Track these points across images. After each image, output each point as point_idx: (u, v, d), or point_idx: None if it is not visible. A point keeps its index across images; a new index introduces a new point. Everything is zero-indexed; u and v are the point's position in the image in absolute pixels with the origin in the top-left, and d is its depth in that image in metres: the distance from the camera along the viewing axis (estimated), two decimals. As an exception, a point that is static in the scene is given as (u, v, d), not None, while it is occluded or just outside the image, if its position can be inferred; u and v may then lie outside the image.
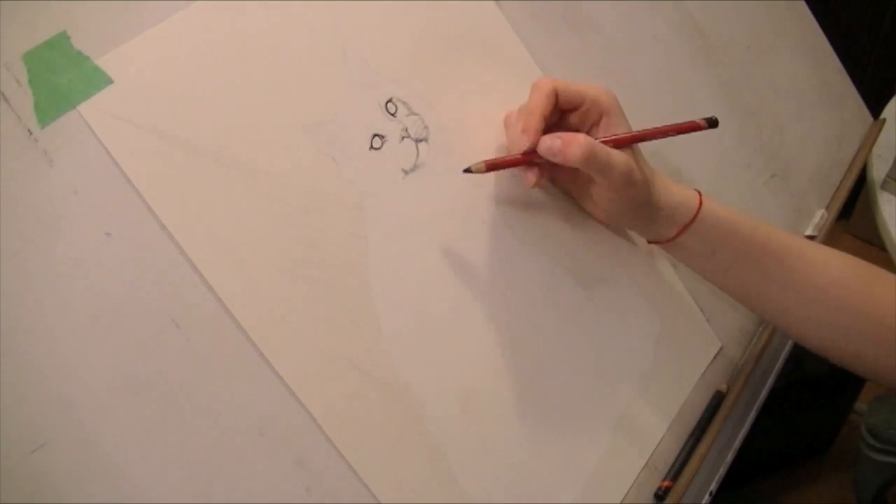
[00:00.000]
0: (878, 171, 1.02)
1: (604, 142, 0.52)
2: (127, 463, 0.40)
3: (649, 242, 0.59)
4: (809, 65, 0.88)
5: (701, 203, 0.55)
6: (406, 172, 0.52)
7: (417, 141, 0.53)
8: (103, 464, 0.39)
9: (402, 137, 0.52)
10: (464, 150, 0.54)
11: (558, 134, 0.51)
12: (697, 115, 0.73)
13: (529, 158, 0.52)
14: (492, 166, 0.51)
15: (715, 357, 0.67)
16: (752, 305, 0.60)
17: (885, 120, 0.97)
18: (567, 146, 0.49)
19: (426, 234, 0.52)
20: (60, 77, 0.40)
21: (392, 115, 0.52)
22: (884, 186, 1.01)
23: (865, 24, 1.53)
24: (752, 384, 0.70)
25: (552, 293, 0.57)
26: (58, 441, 0.38)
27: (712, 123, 0.54)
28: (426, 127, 0.53)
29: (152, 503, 0.40)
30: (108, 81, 0.42)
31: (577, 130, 0.54)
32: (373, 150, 0.50)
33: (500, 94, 0.57)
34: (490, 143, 0.56)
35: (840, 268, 0.56)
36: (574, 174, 0.55)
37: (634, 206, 0.54)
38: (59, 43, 0.40)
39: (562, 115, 0.54)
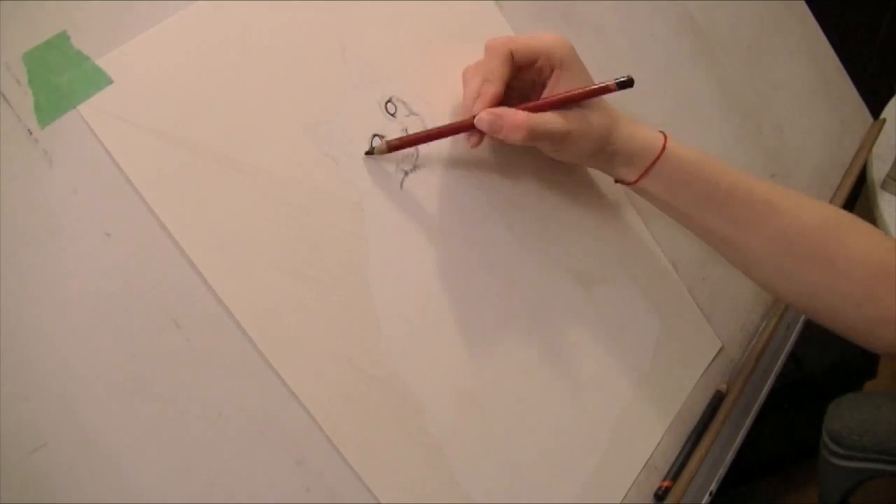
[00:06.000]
0: (878, 171, 1.02)
1: (531, 106, 0.52)
2: (127, 463, 0.40)
3: (616, 182, 0.58)
4: (809, 65, 0.88)
5: (664, 146, 0.54)
6: (406, 172, 0.52)
7: (417, 141, 0.53)
8: (103, 464, 0.39)
9: (402, 137, 0.52)
10: (463, 149, 0.54)
11: (499, 111, 0.51)
12: (697, 116, 0.73)
13: (434, 137, 0.52)
14: (395, 146, 0.51)
15: (715, 357, 0.67)
16: (721, 252, 0.58)
17: (885, 120, 0.97)
18: (508, 129, 0.50)
19: (426, 234, 0.52)
20: (60, 77, 0.40)
21: (392, 115, 0.52)
22: (884, 186, 1.01)
23: (865, 24, 1.53)
24: (752, 384, 0.70)
25: (552, 293, 0.57)
26: (58, 441, 0.38)
27: (623, 84, 0.52)
28: (426, 127, 0.53)
29: (152, 503, 0.40)
30: (109, 81, 0.42)
31: (531, 85, 0.54)
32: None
33: (500, 94, 0.57)
34: (489, 141, 0.56)
35: (812, 217, 0.54)
36: None
37: (583, 154, 0.54)
38: (59, 43, 0.40)
39: (517, 70, 0.54)
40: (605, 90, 0.52)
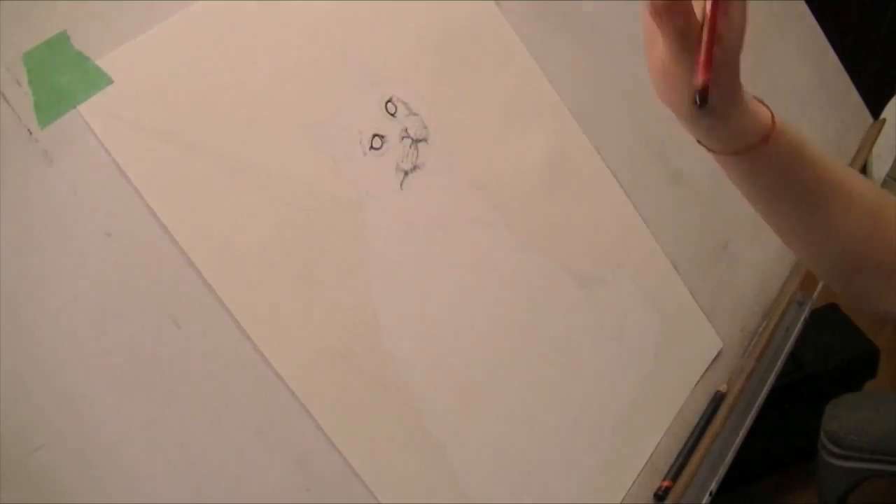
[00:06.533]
0: (878, 171, 1.02)
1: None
2: (127, 463, 0.40)
3: (709, 150, 0.52)
4: (809, 65, 0.88)
5: (773, 118, 0.50)
6: (406, 172, 0.52)
7: (417, 141, 0.53)
8: (103, 464, 0.39)
9: (402, 137, 0.52)
10: (463, 149, 0.54)
11: None
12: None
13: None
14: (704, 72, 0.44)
15: (715, 357, 0.67)
16: (793, 234, 0.54)
17: (884, 120, 0.97)
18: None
19: (426, 233, 0.52)
20: (60, 77, 0.40)
21: (392, 115, 0.52)
22: (884, 186, 1.01)
23: (865, 24, 1.53)
24: (752, 384, 0.70)
25: (552, 293, 0.57)
26: (58, 441, 0.38)
27: None
28: (426, 127, 0.53)
29: (152, 503, 0.40)
30: (109, 82, 0.41)
31: None
32: (373, 150, 0.50)
33: (499, 94, 0.57)
34: (489, 141, 0.56)
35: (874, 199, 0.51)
36: None
37: (735, 76, 0.47)
38: (59, 43, 0.40)
39: None
40: None
